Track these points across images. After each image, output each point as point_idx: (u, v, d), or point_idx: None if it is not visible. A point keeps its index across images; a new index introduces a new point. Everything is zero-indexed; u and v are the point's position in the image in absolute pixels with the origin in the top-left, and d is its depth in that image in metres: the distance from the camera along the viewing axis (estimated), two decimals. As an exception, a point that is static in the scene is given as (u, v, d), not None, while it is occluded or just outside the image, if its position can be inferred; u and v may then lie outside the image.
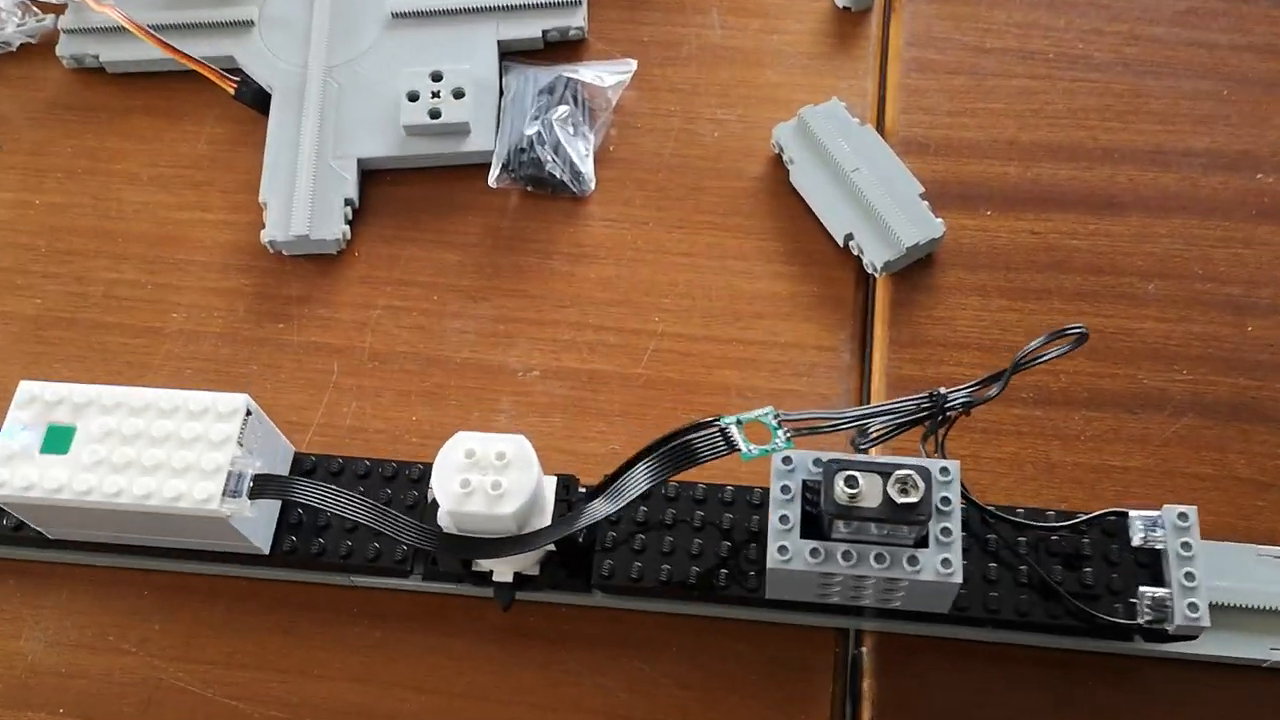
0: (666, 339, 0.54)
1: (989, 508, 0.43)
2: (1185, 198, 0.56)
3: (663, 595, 0.44)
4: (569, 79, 0.60)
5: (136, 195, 0.60)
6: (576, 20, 0.61)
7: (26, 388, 0.42)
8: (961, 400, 0.41)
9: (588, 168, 0.59)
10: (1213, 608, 0.43)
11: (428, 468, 0.46)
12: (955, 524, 0.38)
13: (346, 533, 0.45)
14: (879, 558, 0.37)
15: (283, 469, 0.46)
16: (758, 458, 0.38)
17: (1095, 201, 0.57)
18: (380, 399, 0.53)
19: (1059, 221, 0.56)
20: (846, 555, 0.37)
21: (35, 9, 0.64)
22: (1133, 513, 0.43)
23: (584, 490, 0.44)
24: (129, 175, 0.61)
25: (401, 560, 0.45)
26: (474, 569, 0.44)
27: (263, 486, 0.40)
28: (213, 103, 0.62)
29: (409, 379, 0.54)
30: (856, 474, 0.36)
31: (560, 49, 0.62)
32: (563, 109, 0.59)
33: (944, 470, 0.38)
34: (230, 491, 0.40)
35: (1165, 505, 0.42)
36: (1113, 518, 0.43)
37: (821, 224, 0.57)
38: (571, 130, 0.59)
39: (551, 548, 0.42)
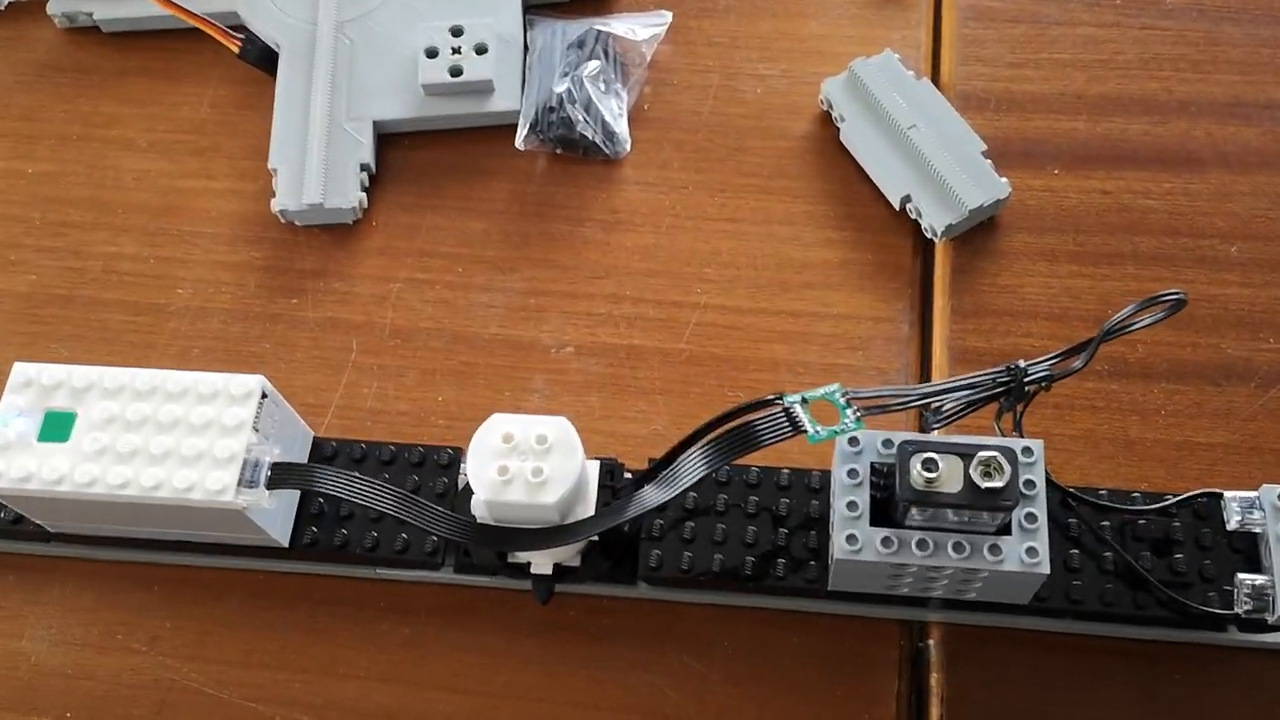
0: (710, 311, 0.53)
1: (1070, 489, 0.42)
2: (1268, 152, 0.54)
3: (715, 587, 0.42)
4: (599, 32, 0.58)
5: (135, 163, 0.58)
6: (607, -32, 0.60)
7: (21, 370, 0.41)
8: (1042, 373, 0.39)
9: (621, 128, 0.57)
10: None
11: (457, 452, 0.45)
12: (1041, 509, 0.36)
13: (371, 523, 0.43)
14: (958, 547, 0.36)
15: (301, 455, 0.44)
16: (826, 440, 0.36)
17: (1171, 158, 0.55)
18: (403, 379, 0.52)
19: (1132, 180, 0.54)
20: (922, 544, 0.36)
21: (25, -36, 0.63)
22: (1227, 494, 0.41)
23: (629, 476, 0.42)
24: (126, 142, 0.59)
25: (432, 552, 0.43)
26: (510, 561, 0.42)
27: (282, 476, 0.38)
28: (216, 63, 0.61)
29: (434, 357, 0.52)
30: (935, 456, 0.35)
31: (590, 0, 0.60)
32: (593, 65, 0.57)
33: (1027, 450, 0.37)
34: (246, 481, 0.38)
35: (1264, 485, 0.40)
36: (1204, 499, 0.42)
37: (875, 186, 0.55)
38: (603, 87, 0.57)
39: (594, 538, 0.40)
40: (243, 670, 0.46)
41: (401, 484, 0.44)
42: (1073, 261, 0.53)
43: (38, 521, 0.44)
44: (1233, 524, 0.41)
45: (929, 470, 0.35)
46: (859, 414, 0.36)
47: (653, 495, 0.37)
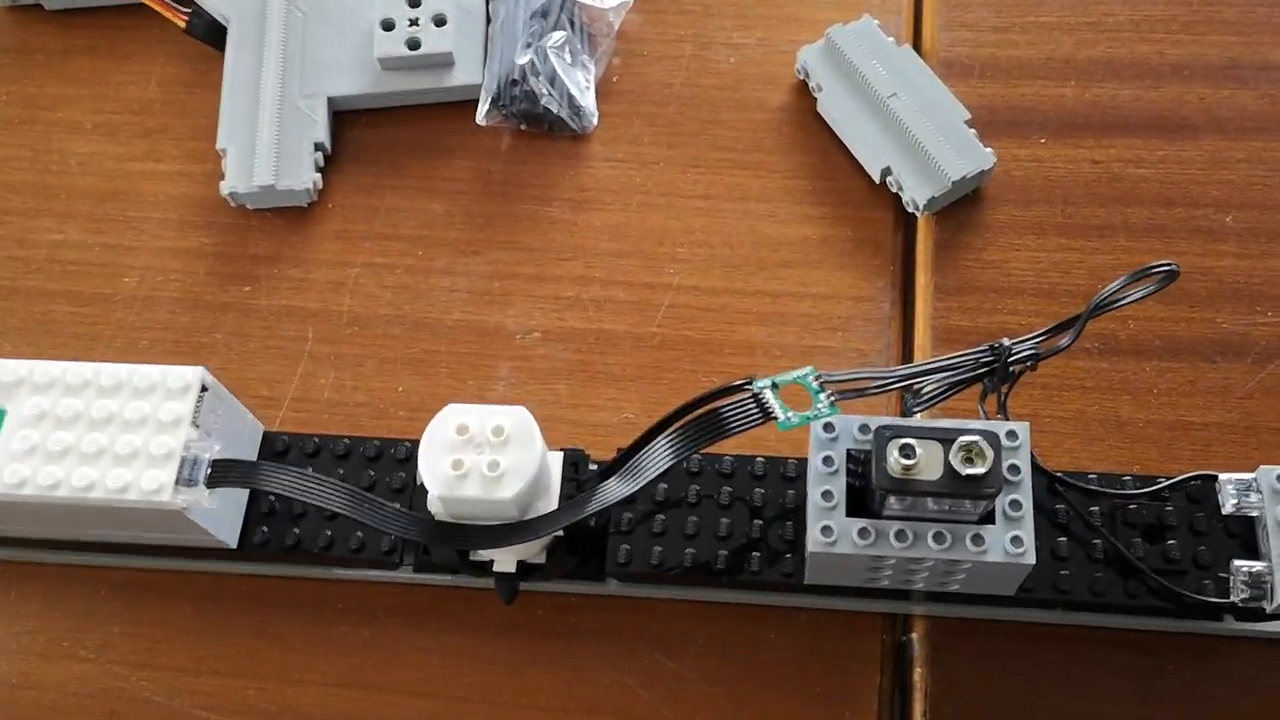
0: (682, 293, 0.52)
1: (1058, 474, 0.41)
2: (1265, 117, 0.53)
3: (687, 583, 0.41)
4: (565, 1, 0.57)
5: (81, 146, 0.57)
6: (570, -66, 0.58)
7: None
8: (1028, 352, 0.38)
9: (589, 101, 0.56)
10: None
11: (416, 445, 0.43)
12: (1026, 496, 0.35)
13: (326, 521, 0.42)
14: (938, 537, 0.35)
15: (249, 451, 0.43)
16: (798, 426, 0.35)
17: (1163, 124, 0.54)
18: (361, 368, 0.51)
19: (1123, 148, 0.53)
20: (901, 535, 0.35)
21: (-40, -62, 0.61)
22: (1222, 476, 0.40)
23: (595, 467, 0.41)
24: (71, 124, 0.58)
25: (390, 551, 0.42)
26: (472, 559, 0.41)
27: (222, 473, 0.37)
28: (163, 39, 0.59)
29: (393, 345, 0.51)
30: (913, 442, 0.33)
31: (553, -33, 0.59)
32: (558, 35, 0.56)
33: (1011, 434, 0.36)
34: (184, 480, 0.37)
35: (1261, 466, 0.39)
36: (1198, 482, 0.41)
37: (854, 158, 0.54)
38: (569, 59, 0.56)
39: (559, 533, 0.39)
40: (194, 678, 0.45)
41: (357, 479, 0.43)
42: (1061, 234, 0.52)
43: (-27, 525, 0.43)
44: (1228, 507, 0.40)
45: (906, 457, 0.34)
46: (833, 398, 0.35)
47: (616, 489, 0.36)
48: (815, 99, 0.55)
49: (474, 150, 0.56)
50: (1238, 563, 0.39)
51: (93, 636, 0.46)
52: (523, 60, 0.55)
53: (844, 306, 0.51)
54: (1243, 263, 0.50)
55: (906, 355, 0.51)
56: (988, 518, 0.35)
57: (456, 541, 0.37)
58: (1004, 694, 0.43)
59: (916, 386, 0.37)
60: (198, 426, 0.38)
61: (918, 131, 0.52)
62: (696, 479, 0.42)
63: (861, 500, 0.36)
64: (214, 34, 0.57)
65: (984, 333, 0.50)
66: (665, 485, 0.42)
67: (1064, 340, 0.38)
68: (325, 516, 0.42)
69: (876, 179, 0.53)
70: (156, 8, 0.56)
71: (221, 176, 0.54)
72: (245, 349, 0.51)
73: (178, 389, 0.38)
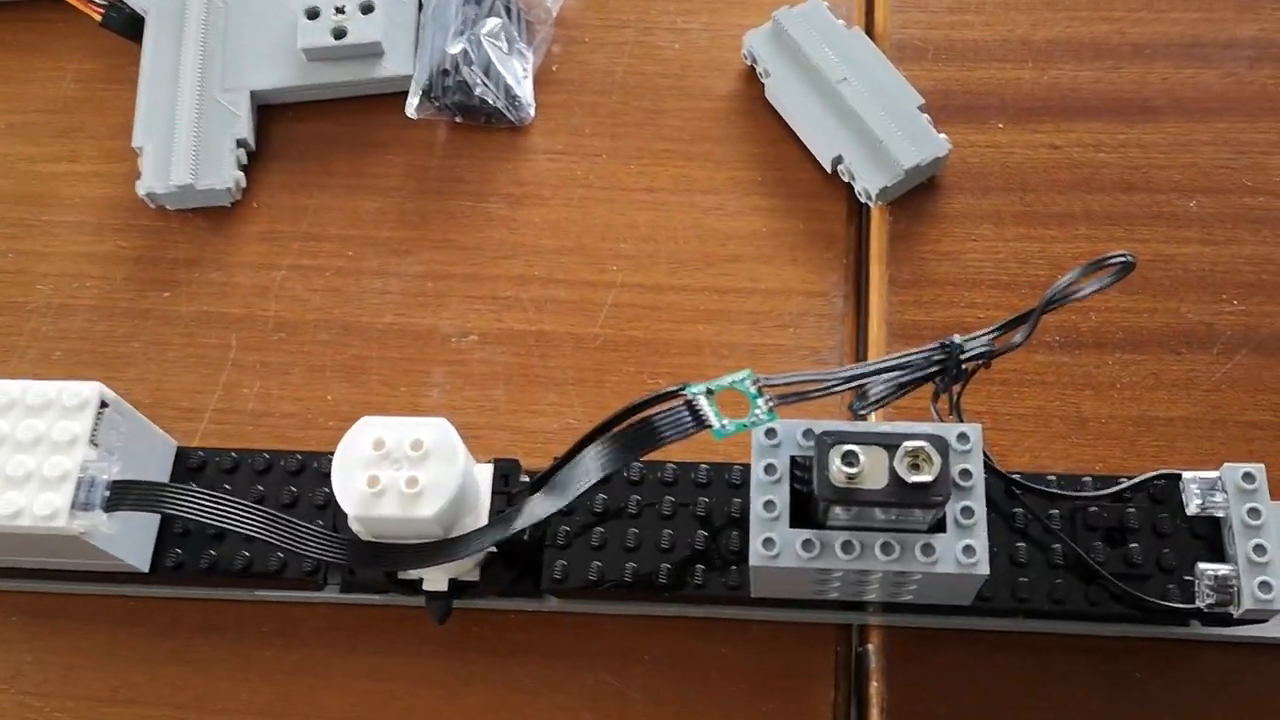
0: (626, 291, 0.51)
1: (1014, 476, 0.40)
2: (1230, 97, 0.53)
3: (628, 598, 0.40)
4: (499, -14, 0.55)
5: (-9, 146, 0.56)
6: (505, -84, 0.57)
7: None
8: (980, 350, 0.37)
9: (526, 91, 0.55)
10: (1282, 582, 0.39)
11: (342, 458, 0.42)
12: (979, 502, 0.34)
13: (244, 541, 0.41)
14: (886, 548, 0.34)
15: (161, 469, 0.42)
16: (734, 434, 0.34)
17: (1124, 107, 0.53)
18: (288, 377, 0.49)
19: (1082, 132, 0.53)
20: (847, 547, 0.34)
21: None
22: (1186, 474, 0.39)
23: (526, 479, 0.40)
24: (-18, 123, 0.56)
25: (313, 571, 0.41)
26: (401, 577, 0.40)
27: (121, 496, 0.35)
28: (78, 33, 0.57)
29: (322, 351, 0.50)
30: (856, 449, 0.32)
31: (487, -49, 0.58)
32: (493, 22, 0.54)
33: (962, 437, 0.35)
34: (81, 503, 0.36)
35: (1226, 464, 0.39)
36: (1161, 481, 0.40)
37: (805, 147, 0.53)
38: (505, 47, 0.55)
39: (492, 549, 0.38)
40: (111, 707, 0.43)
41: (278, 496, 0.41)
42: (1020, 223, 0.51)
43: None
44: (1192, 508, 0.39)
45: (849, 465, 0.32)
46: (771, 404, 0.34)
47: (541, 505, 0.34)
48: (764, 85, 0.54)
49: (406, 144, 0.55)
50: (1203, 566, 0.38)
51: (3, 666, 0.44)
52: (455, 49, 0.53)
53: (795, 302, 0.50)
54: (1207, 249, 0.50)
55: (861, 352, 0.50)
56: (939, 526, 0.34)
57: (377, 563, 0.36)
58: (964, 706, 0.42)
59: (863, 388, 0.36)
60: (96, 445, 0.37)
61: (869, 118, 0.51)
62: (637, 488, 0.41)
63: (807, 509, 0.35)
64: (132, 27, 0.56)
65: (941, 327, 0.49)
66: (604, 496, 0.41)
67: (1017, 337, 0.37)
68: (243, 536, 0.41)
69: (828, 168, 0.52)
70: (71, 1, 0.55)
71: (138, 176, 0.52)
72: (164, 358, 0.50)
73: (74, 406, 0.37)
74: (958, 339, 0.37)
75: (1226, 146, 0.52)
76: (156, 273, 0.52)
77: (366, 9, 0.54)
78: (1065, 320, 0.48)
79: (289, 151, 0.55)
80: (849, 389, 0.36)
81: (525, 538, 0.39)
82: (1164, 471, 0.40)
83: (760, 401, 0.34)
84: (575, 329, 0.50)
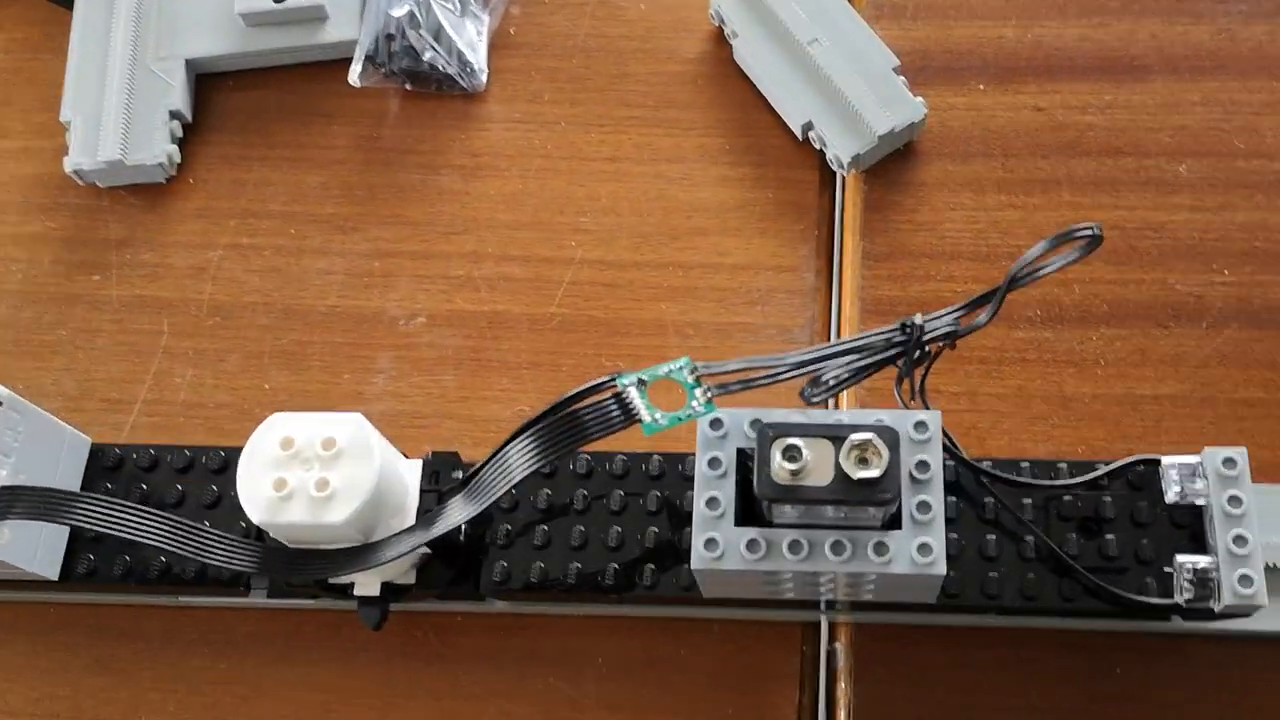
0: (586, 268, 0.49)
1: (983, 464, 0.38)
2: (1222, 55, 0.51)
3: (572, 600, 0.39)
4: (449, -57, 0.54)
5: (-87, 122, 0.54)
6: None
7: None
8: (943, 330, 0.36)
9: (480, 56, 0.54)
10: (1272, 571, 0.38)
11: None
12: (936, 496, 0.33)
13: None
14: (837, 547, 0.32)
15: (70, 471, 0.40)
16: (668, 428, 0.33)
17: (1112, 66, 0.51)
18: (223, 364, 0.48)
19: (1068, 94, 0.51)
20: (795, 547, 0.32)
21: None
22: (1165, 460, 0.38)
23: (459, 475, 0.38)
24: (-97, 98, 0.55)
25: (235, 576, 0.39)
26: (331, 582, 0.39)
27: (8, 504, 0.34)
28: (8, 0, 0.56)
29: (260, 336, 0.49)
30: (799, 442, 0.31)
31: (436, -93, 0.56)
32: (443, -17, 0.53)
33: (919, 425, 0.33)
34: (-32, 512, 0.34)
35: (1206, 448, 0.37)
36: (1141, 467, 0.39)
37: (776, 112, 0.51)
38: (457, 9, 0.53)
39: (425, 550, 0.37)
40: None
41: (200, 495, 0.40)
42: (1001, 190, 0.50)
43: None
44: (1171, 495, 0.38)
45: (791, 460, 0.31)
46: (710, 394, 0.33)
47: (460, 509, 0.33)
48: (732, 47, 0.53)
49: (353, 114, 0.53)
50: (1181, 558, 0.36)
51: (-80, 678, 0.43)
52: (399, 12, 0.52)
53: (764, 278, 0.49)
54: (1197, 216, 0.48)
55: (833, 330, 0.49)
56: (894, 522, 0.33)
57: (289, 571, 0.35)
58: (937, 706, 0.41)
59: (817, 374, 0.34)
60: (-10, 448, 0.36)
61: (840, 81, 0.50)
62: (585, 482, 0.40)
63: (756, 505, 0.34)
64: (63, -9, 0.54)
65: (915, 303, 0.48)
66: (549, 491, 0.40)
67: (982, 316, 0.36)
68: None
69: (799, 135, 0.51)
70: (-7, -36, 0.53)
71: (66, 152, 0.51)
72: (93, 346, 0.49)
73: (-39, 405, 0.35)
74: (919, 319, 0.36)
75: (1218, 107, 0.50)
76: (86, 254, 0.51)
77: (307, -29, 0.52)
78: (1048, 294, 0.47)
79: (228, 123, 0.53)
80: (800, 375, 0.34)
81: (461, 539, 0.38)
82: (1143, 457, 0.39)
83: (698, 392, 0.33)
84: (531, 309, 0.49)
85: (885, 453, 0.31)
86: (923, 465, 0.33)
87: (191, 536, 0.33)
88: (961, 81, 0.52)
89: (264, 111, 0.54)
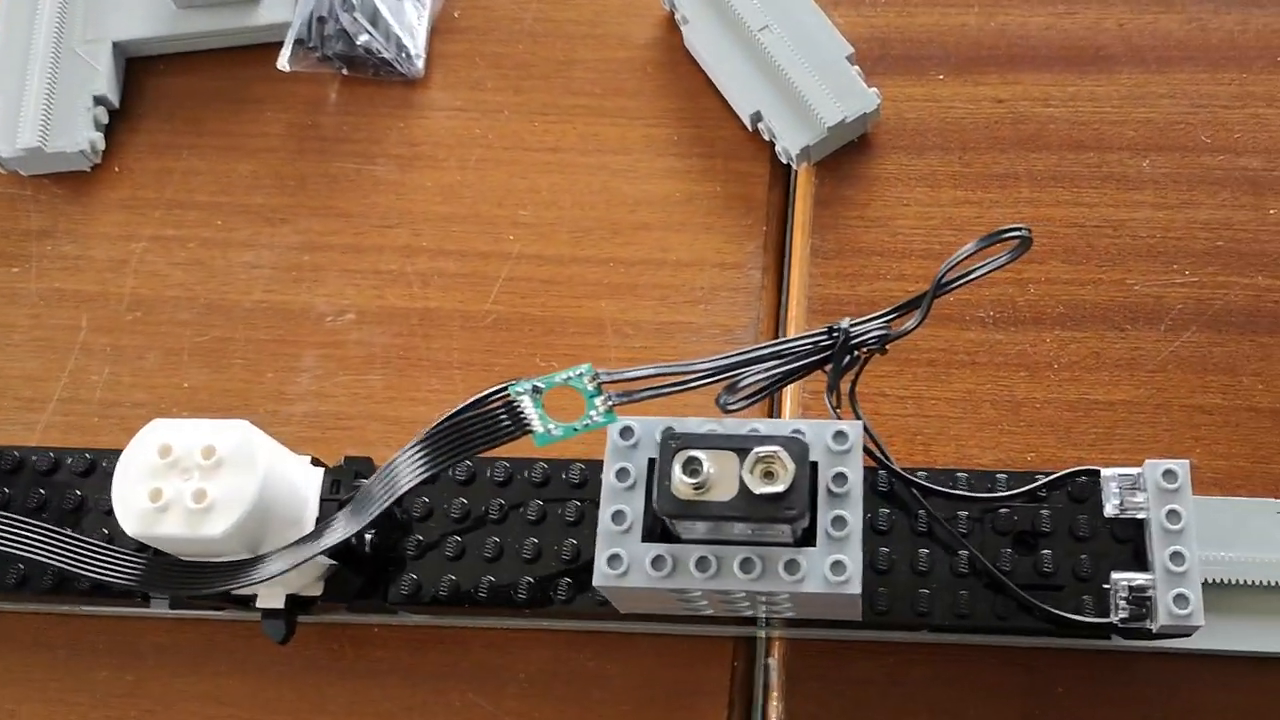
0: (523, 263, 0.49)
1: (918, 475, 0.38)
2: (1192, 45, 0.50)
3: (486, 614, 0.39)
4: (386, -77, 0.53)
5: None
6: None
7: None
8: (873, 334, 0.35)
9: (419, 40, 0.53)
10: (1218, 587, 0.38)
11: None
12: (854, 511, 0.32)
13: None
14: (746, 565, 0.32)
15: (-37, 475, 0.40)
16: (563, 439, 0.32)
17: (1076, 56, 0.51)
18: (142, 362, 0.47)
19: (1030, 84, 0.50)
20: (702, 564, 0.32)
21: None
22: (1105, 471, 0.37)
23: (362, 483, 0.37)
24: None
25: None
26: (234, 592, 0.38)
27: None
28: (-71, -22, 0.55)
29: (181, 333, 0.48)
30: (700, 455, 0.30)
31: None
32: (379, -36, 0.52)
33: (839, 435, 0.33)
34: None
35: (1147, 460, 0.37)
36: (1082, 478, 0.38)
37: (727, 102, 0.51)
38: (397, -9, 0.52)
39: (329, 561, 0.36)
40: (-72, 735, 0.42)
41: (98, 500, 0.39)
42: (957, 185, 0.49)
43: None
44: (1110, 508, 0.37)
45: (692, 474, 0.30)
46: (611, 402, 0.32)
47: (344, 524, 0.33)
48: (682, 33, 0.52)
49: (287, 100, 0.53)
50: (1118, 575, 0.36)
51: None
52: (332, -6, 0.51)
53: (708, 275, 0.48)
54: (1159, 214, 0.47)
55: (779, 331, 0.48)
56: (808, 538, 0.32)
57: (169, 585, 0.34)
58: (875, 724, 0.40)
59: (735, 380, 0.34)
60: None
61: (791, 70, 0.49)
62: (503, 490, 0.39)
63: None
64: (-13, -29, 0.54)
65: (865, 302, 0.47)
66: (464, 500, 0.39)
67: (911, 321, 0.35)
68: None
69: (749, 126, 0.50)
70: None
71: (-15, 138, 0.51)
72: (8, 342, 0.48)
73: None
74: (846, 323, 0.35)
75: (1185, 100, 0.49)
76: (4, 245, 0.50)
77: (237, -50, 0.52)
78: (1001, 294, 0.46)
79: (157, 109, 0.53)
80: (716, 383, 0.34)
81: (367, 549, 0.37)
82: (1083, 468, 0.38)
83: (598, 401, 0.32)
84: (464, 306, 0.48)
85: (791, 466, 0.30)
86: (840, 478, 0.32)
87: (67, 547, 0.33)
88: (920, 71, 0.51)
89: (194, 97, 0.53)
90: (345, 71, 0.52)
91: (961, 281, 0.34)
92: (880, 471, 0.38)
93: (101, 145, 0.51)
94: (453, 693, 0.41)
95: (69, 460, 0.40)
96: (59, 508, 0.39)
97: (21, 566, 0.39)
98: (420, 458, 0.32)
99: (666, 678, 0.41)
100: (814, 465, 0.32)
